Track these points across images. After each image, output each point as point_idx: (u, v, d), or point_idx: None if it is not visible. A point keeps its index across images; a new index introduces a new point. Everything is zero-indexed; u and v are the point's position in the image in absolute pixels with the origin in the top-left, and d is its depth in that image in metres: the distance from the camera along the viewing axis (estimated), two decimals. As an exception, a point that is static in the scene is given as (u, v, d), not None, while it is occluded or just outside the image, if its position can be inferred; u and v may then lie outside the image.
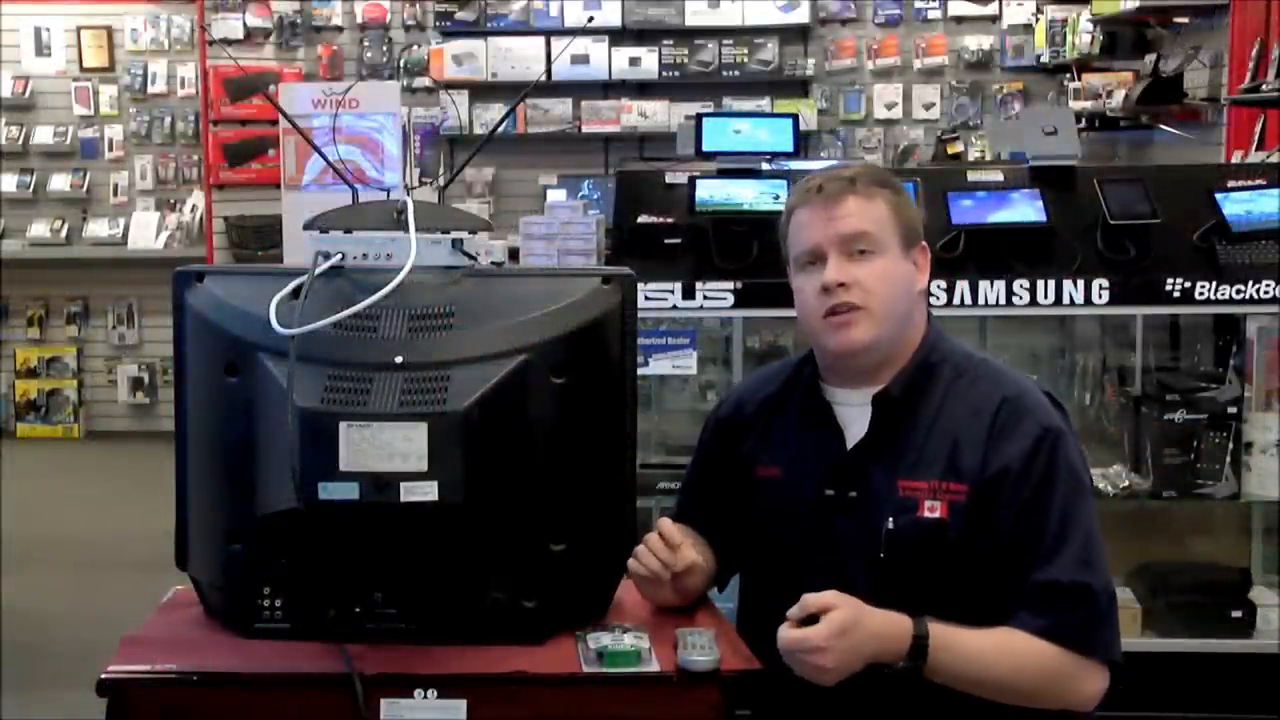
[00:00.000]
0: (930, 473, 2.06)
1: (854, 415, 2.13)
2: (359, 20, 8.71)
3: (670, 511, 2.35)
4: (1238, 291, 3.71)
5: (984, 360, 2.18)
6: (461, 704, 1.79)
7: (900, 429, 2.09)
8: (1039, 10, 8.13)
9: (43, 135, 8.85)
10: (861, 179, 2.11)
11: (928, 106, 8.55)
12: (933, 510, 2.04)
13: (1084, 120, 6.90)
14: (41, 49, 8.84)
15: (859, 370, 2.12)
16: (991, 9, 8.45)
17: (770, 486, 2.17)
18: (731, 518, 2.23)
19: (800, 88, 8.58)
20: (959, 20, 8.53)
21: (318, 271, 1.88)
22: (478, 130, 8.34)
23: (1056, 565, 2.00)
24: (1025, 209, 3.81)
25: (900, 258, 2.11)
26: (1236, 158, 5.66)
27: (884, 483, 2.08)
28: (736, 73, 8.48)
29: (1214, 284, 3.71)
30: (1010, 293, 3.71)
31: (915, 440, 2.08)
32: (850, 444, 2.12)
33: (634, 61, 8.45)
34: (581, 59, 8.35)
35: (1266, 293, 3.70)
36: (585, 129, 8.50)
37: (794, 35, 8.57)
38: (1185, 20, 6.77)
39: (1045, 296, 3.71)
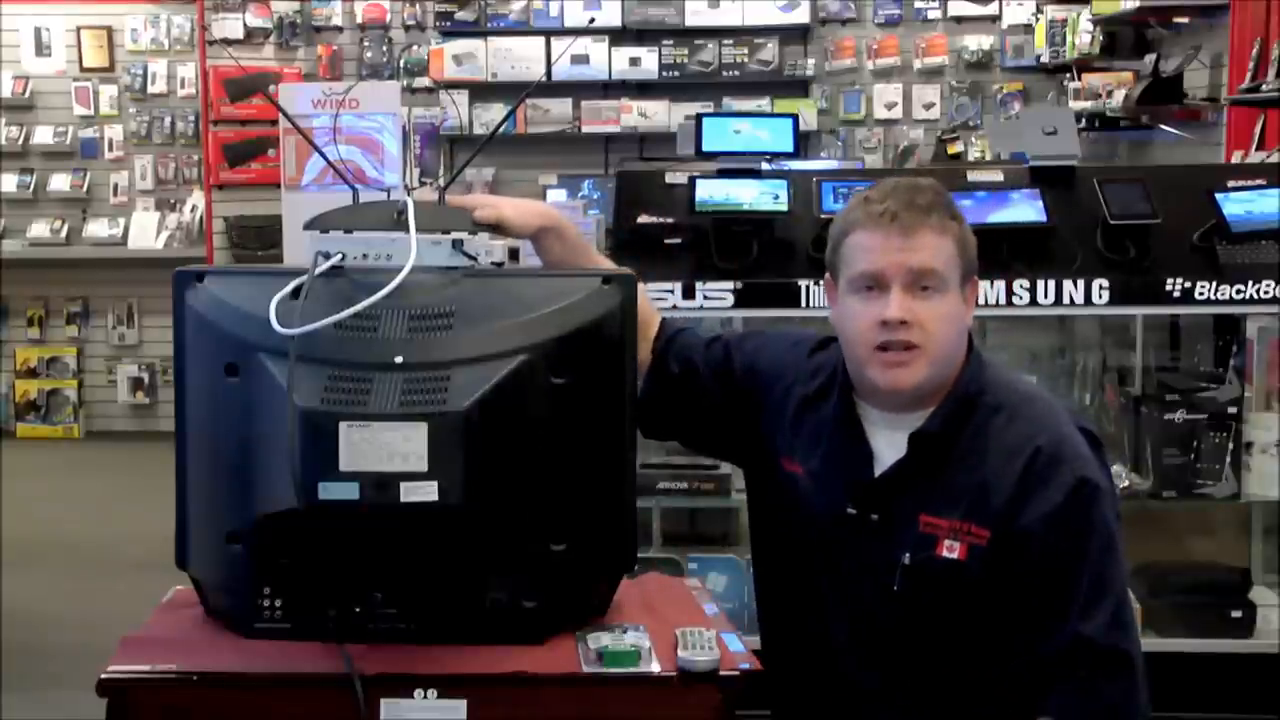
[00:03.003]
0: (953, 512, 2.01)
1: (885, 436, 2.08)
2: (359, 20, 8.72)
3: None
4: (1238, 291, 3.70)
5: (1027, 396, 2.10)
6: (461, 704, 1.79)
7: (930, 462, 2.05)
8: (1039, 10, 8.12)
9: (43, 135, 8.85)
10: (937, 211, 2.02)
11: (928, 106, 8.55)
12: (950, 550, 2.00)
13: (1084, 120, 6.90)
14: (41, 49, 8.84)
15: (900, 403, 2.07)
16: (991, 9, 8.46)
17: (794, 484, 2.13)
18: (688, 397, 2.23)
19: (800, 88, 8.58)
20: (959, 20, 8.53)
21: (318, 271, 1.88)
22: (478, 130, 8.34)
23: (1090, 624, 1.96)
24: (1025, 209, 3.81)
25: (958, 295, 2.04)
26: (1236, 158, 5.66)
27: (906, 513, 2.03)
28: (736, 73, 8.48)
29: (1214, 284, 3.71)
30: (1010, 293, 3.70)
31: (943, 475, 2.03)
32: (878, 464, 2.07)
33: (634, 61, 8.45)
34: (581, 59, 8.35)
35: (1266, 293, 3.69)
36: (585, 129, 8.50)
37: (794, 35, 8.57)
38: (1185, 20, 6.78)
39: (1045, 296, 3.70)
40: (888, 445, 2.07)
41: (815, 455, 2.12)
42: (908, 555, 2.02)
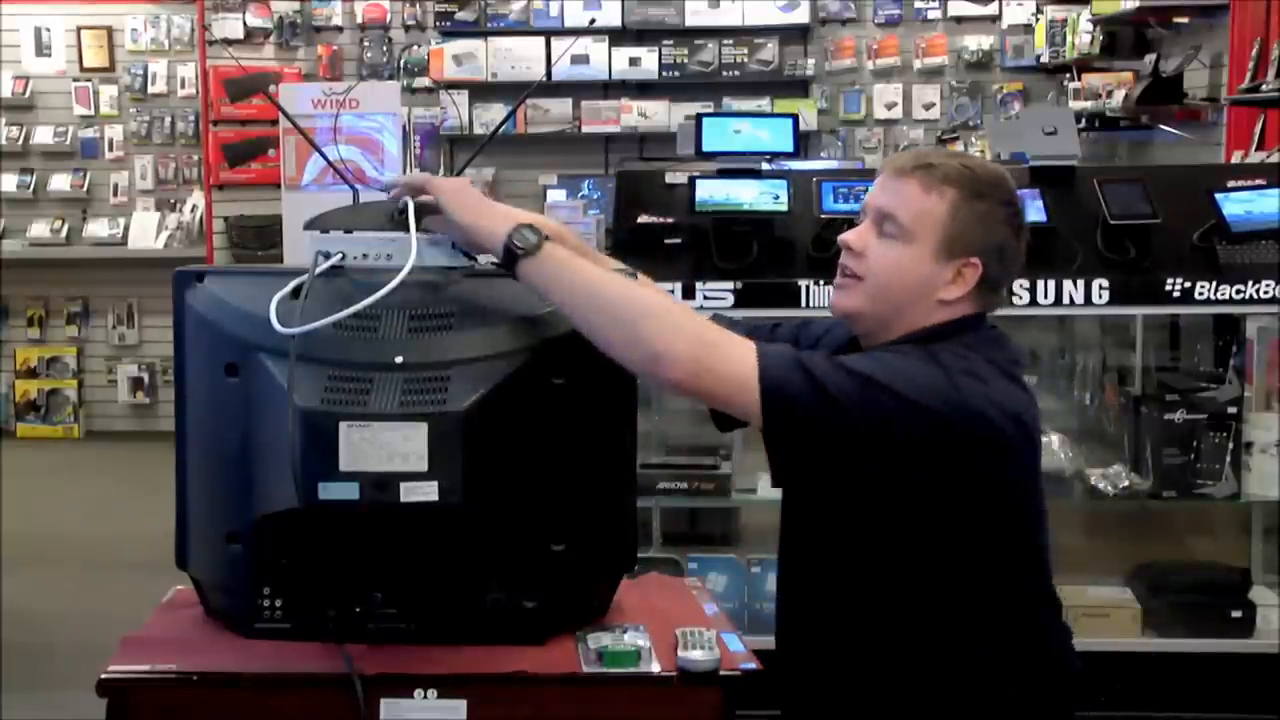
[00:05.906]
0: None
1: None
2: (359, 20, 8.71)
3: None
4: (1238, 291, 3.70)
5: (969, 368, 1.97)
6: (461, 704, 1.79)
7: None
8: (1039, 10, 8.12)
9: (43, 135, 8.84)
10: (934, 170, 2.03)
11: (928, 106, 8.54)
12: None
13: (1084, 120, 6.89)
14: (41, 49, 8.84)
15: (860, 335, 2.09)
16: (991, 9, 8.45)
17: None
18: None
19: (800, 88, 8.58)
20: (959, 20, 8.52)
21: (318, 271, 1.88)
22: (478, 130, 8.34)
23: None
24: (1025, 209, 3.81)
25: (926, 258, 2.01)
26: (1236, 158, 5.66)
27: None
28: (736, 73, 8.48)
29: (1214, 284, 3.71)
30: (1010, 293, 3.70)
31: None
32: None
33: (634, 61, 8.45)
34: (581, 59, 8.34)
35: (1266, 293, 3.70)
36: (585, 129, 8.50)
37: (794, 35, 8.57)
38: (1185, 20, 6.77)
39: (1045, 296, 3.71)
40: None
41: None
42: None
